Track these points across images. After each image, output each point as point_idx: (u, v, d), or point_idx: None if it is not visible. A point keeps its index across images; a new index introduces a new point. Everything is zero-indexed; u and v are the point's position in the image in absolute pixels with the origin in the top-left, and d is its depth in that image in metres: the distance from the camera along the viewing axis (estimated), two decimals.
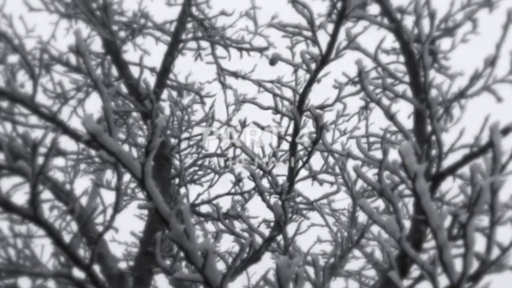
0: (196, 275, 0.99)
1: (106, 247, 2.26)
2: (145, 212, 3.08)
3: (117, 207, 1.43)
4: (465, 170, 1.95)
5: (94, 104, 2.79)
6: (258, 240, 2.10)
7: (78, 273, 2.08)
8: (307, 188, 2.99)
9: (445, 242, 0.83)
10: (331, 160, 2.65)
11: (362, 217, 2.94)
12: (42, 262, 2.19)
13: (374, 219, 1.21)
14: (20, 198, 1.89)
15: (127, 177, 3.32)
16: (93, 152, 2.42)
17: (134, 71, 2.67)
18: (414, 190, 0.82)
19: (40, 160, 1.38)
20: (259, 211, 3.29)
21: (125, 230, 3.27)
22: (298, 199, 2.76)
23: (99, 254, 2.02)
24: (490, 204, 1.04)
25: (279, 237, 2.32)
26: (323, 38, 2.04)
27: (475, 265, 1.14)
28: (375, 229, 2.88)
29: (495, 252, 1.16)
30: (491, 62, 1.87)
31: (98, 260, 2.15)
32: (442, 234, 0.83)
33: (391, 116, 1.85)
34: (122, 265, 2.69)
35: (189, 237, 0.92)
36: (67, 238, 1.66)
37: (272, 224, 2.29)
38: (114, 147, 0.80)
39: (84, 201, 2.54)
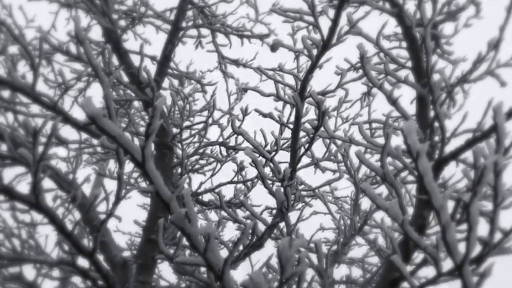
0: (198, 259, 0.99)
1: (110, 236, 2.26)
2: (148, 201, 3.08)
3: (119, 195, 1.42)
4: (468, 155, 1.95)
5: (95, 94, 2.78)
6: (261, 227, 2.10)
7: (82, 262, 2.09)
8: (309, 176, 2.99)
9: (448, 222, 0.83)
10: (333, 147, 2.64)
11: (365, 205, 2.94)
12: (46, 252, 2.21)
13: (377, 203, 1.21)
14: (23, 188, 1.90)
15: (130, 167, 3.33)
16: (95, 142, 2.42)
17: (135, 59, 2.66)
18: (416, 169, 0.81)
19: (42, 150, 1.38)
20: (261, 200, 3.29)
21: (129, 221, 3.29)
22: (301, 187, 2.76)
23: (102, 243, 2.03)
24: (494, 186, 1.04)
25: (282, 224, 2.33)
26: (325, 24, 2.03)
27: (478, 249, 1.13)
28: (378, 215, 2.89)
29: (498, 237, 1.16)
30: (495, 45, 1.84)
31: (102, 248, 2.16)
32: (445, 214, 0.82)
33: (393, 101, 1.83)
34: (126, 254, 2.70)
35: (190, 220, 0.91)
36: (70, 227, 1.67)
37: (274, 211, 2.30)
38: (113, 131, 0.79)
39: (87, 191, 2.54)
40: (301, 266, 0.83)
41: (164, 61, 2.69)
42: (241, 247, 1.87)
